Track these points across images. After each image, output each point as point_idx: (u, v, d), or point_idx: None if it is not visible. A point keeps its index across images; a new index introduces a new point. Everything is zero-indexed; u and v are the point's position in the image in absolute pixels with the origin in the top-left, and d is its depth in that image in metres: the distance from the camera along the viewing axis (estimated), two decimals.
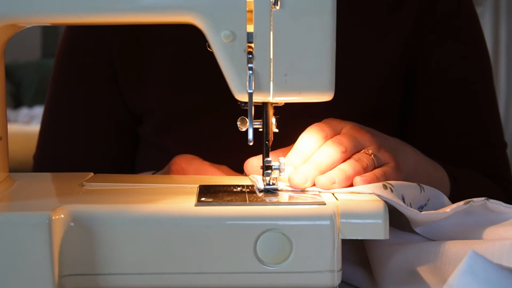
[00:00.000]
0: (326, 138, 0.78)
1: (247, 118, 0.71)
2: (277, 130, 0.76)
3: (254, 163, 0.78)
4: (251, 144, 0.71)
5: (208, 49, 0.71)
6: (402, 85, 1.09)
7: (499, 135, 1.11)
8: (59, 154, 1.13)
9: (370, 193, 0.70)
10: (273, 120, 0.75)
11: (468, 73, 1.09)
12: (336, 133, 0.80)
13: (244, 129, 0.72)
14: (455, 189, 0.95)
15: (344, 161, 0.76)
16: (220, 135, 1.04)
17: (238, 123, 0.73)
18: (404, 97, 1.10)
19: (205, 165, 0.90)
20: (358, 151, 0.78)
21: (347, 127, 0.81)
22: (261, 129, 0.74)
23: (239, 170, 0.83)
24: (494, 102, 1.11)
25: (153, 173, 0.99)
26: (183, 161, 0.91)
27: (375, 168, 0.77)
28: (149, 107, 1.09)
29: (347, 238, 0.65)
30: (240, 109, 0.74)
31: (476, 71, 1.10)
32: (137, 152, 1.15)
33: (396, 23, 1.06)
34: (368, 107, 1.07)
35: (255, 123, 0.73)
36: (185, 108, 1.07)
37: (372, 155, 0.77)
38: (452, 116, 1.08)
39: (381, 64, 1.06)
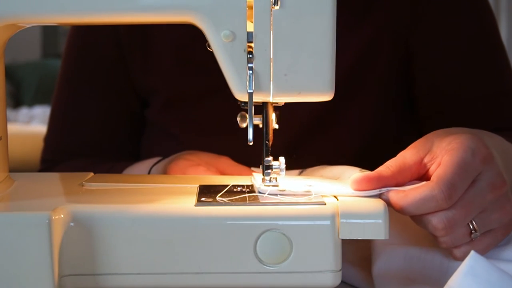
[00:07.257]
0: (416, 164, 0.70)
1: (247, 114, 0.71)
2: (277, 126, 0.76)
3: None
4: (251, 144, 0.71)
5: (208, 48, 0.71)
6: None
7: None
8: (68, 135, 1.15)
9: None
10: (273, 116, 0.75)
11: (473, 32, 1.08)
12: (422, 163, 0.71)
13: (244, 125, 0.72)
14: None
15: None
16: (224, 117, 1.04)
17: (238, 119, 0.73)
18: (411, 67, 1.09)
19: (199, 171, 0.91)
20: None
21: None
22: (260, 126, 0.74)
23: (243, 152, 0.83)
24: (503, 50, 1.10)
25: (159, 160, 1.00)
26: (177, 171, 0.92)
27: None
28: (154, 86, 1.11)
29: (347, 238, 0.65)
30: None
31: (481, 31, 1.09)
32: (143, 136, 1.16)
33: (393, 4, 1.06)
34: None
35: (255, 119, 0.73)
36: (189, 89, 1.09)
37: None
38: (462, 69, 1.07)
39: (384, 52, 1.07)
